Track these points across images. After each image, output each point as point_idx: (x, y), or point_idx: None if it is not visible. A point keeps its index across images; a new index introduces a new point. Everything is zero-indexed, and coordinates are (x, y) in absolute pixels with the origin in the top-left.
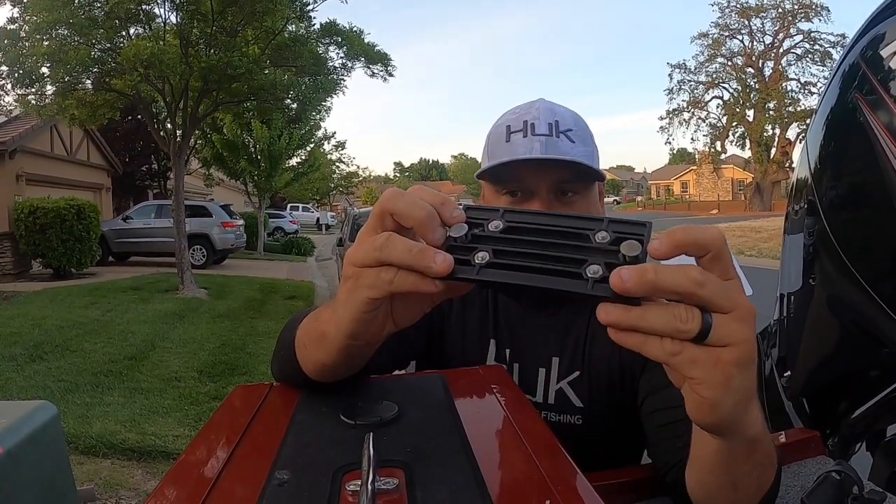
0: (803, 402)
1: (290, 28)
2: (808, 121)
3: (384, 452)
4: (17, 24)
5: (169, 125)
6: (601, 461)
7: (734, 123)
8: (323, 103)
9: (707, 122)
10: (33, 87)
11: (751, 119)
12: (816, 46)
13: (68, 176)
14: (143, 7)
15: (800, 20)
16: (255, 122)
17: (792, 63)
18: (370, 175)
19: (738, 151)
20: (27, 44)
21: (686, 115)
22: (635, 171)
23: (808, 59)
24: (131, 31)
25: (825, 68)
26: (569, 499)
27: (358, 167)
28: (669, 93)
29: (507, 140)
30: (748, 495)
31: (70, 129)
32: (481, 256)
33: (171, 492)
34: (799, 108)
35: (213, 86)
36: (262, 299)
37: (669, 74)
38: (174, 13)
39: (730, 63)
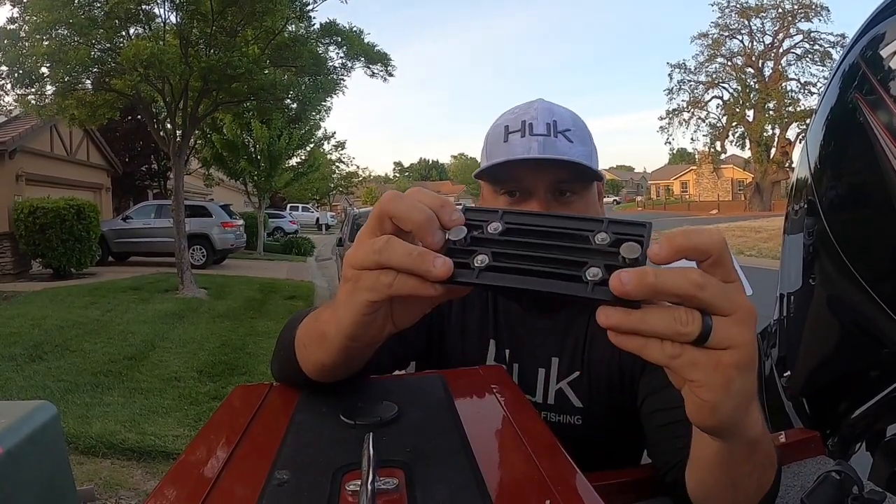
0: (803, 402)
1: (289, 28)
2: (807, 121)
3: (384, 452)
4: (16, 24)
5: (169, 125)
6: (601, 461)
7: (734, 123)
8: (323, 103)
9: (707, 122)
10: (33, 87)
11: (751, 119)
12: (816, 46)
13: (68, 176)
14: (143, 7)
15: (800, 20)
16: (254, 122)
17: (792, 63)
18: (370, 175)
19: (737, 151)
20: (27, 44)
21: (686, 115)
22: (635, 171)
23: (807, 59)
24: (131, 31)
25: (825, 68)
26: (568, 499)
27: (358, 167)
28: (669, 93)
29: (505, 140)
30: (748, 496)
31: (70, 129)
32: (480, 259)
33: (171, 492)
34: (799, 108)
35: (213, 86)
36: (261, 299)
37: (669, 74)
38: (174, 13)
39: (730, 63)
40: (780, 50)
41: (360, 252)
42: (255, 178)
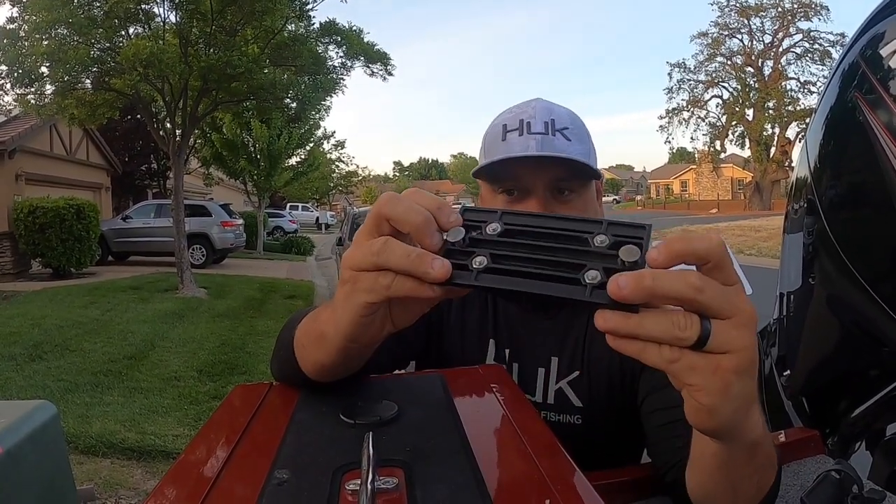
0: (803, 401)
1: (289, 27)
2: (807, 120)
3: (384, 452)
4: (16, 24)
5: (168, 124)
6: (601, 461)
7: (734, 122)
8: (322, 102)
9: (706, 121)
10: (33, 87)
11: (750, 118)
12: (816, 45)
13: (68, 175)
14: (143, 6)
15: (799, 19)
16: (254, 121)
17: (791, 62)
18: (370, 174)
19: (737, 150)
20: (26, 43)
21: (686, 115)
22: (635, 170)
23: (807, 58)
24: (130, 30)
25: (825, 67)
26: (568, 498)
27: (357, 166)
28: (669, 92)
29: (503, 139)
30: (748, 497)
31: (69, 129)
32: (479, 261)
33: (171, 491)
34: (798, 108)
35: (213, 85)
36: (261, 298)
37: (669, 73)
38: (173, 12)
39: (729, 62)
40: (780, 49)
41: (357, 253)
42: (255, 177)
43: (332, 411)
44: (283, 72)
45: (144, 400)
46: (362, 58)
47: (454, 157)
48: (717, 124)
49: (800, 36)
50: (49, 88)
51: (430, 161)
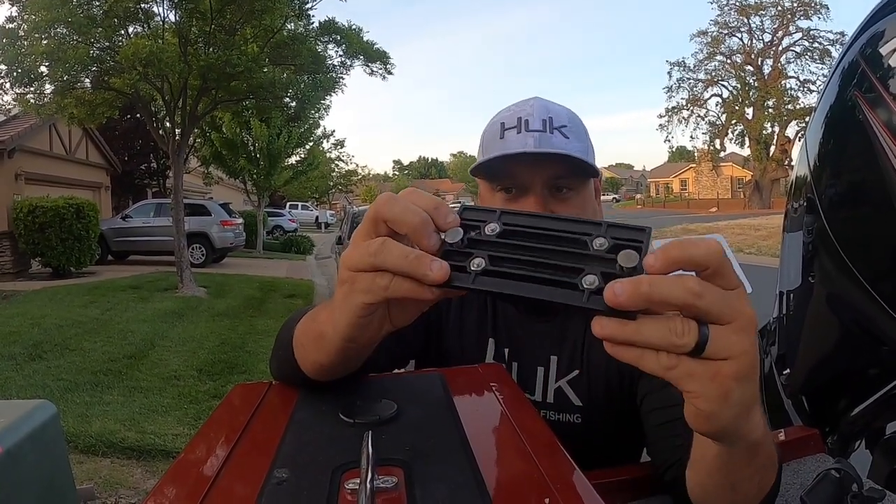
0: (802, 399)
1: (288, 26)
2: (807, 118)
3: (383, 451)
4: (15, 23)
5: (168, 124)
6: (600, 459)
7: (733, 121)
8: (322, 101)
9: (706, 119)
10: (32, 86)
11: (750, 117)
12: (815, 44)
13: (67, 175)
14: (142, 6)
15: (799, 18)
16: (254, 120)
17: (791, 61)
18: (369, 173)
19: (737, 149)
20: (26, 42)
21: (685, 113)
22: (634, 168)
23: (807, 56)
24: (130, 29)
25: (824, 66)
26: (568, 497)
27: (357, 165)
28: (669, 91)
29: (501, 137)
30: (748, 497)
31: (69, 128)
32: (477, 263)
33: (171, 490)
34: (798, 106)
35: (212, 84)
36: (261, 298)
37: (669, 72)
38: (173, 11)
39: (729, 61)
40: (780, 48)
41: (355, 254)
42: (255, 176)
43: (331, 410)
44: (282, 71)
45: (144, 399)
46: (362, 57)
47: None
48: (717, 123)
49: (799, 34)
50: (48, 88)
51: (430, 160)
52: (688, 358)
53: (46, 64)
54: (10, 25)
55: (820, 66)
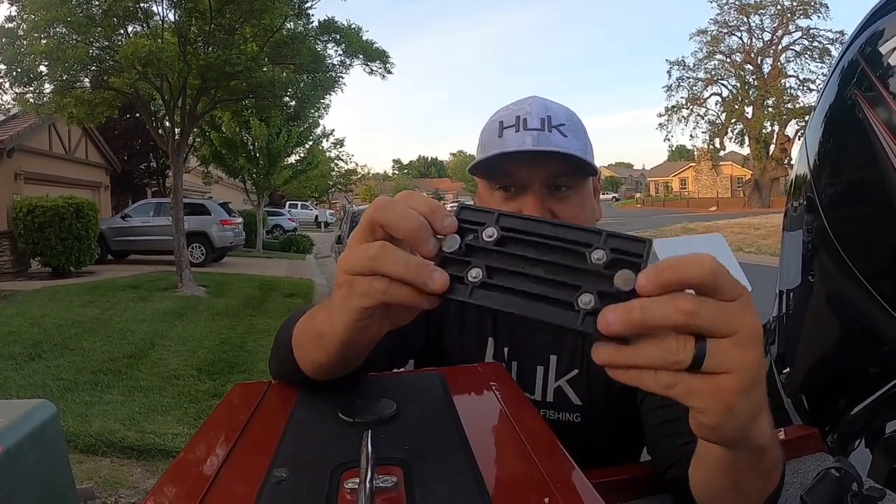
0: (802, 398)
1: (288, 25)
2: (806, 117)
3: (383, 450)
4: (15, 23)
5: (167, 123)
6: (600, 459)
7: (733, 120)
8: (321, 101)
9: (706, 118)
10: (31, 86)
11: (749, 116)
12: (815, 43)
13: (67, 174)
14: (141, 5)
15: (798, 17)
16: (253, 119)
17: (791, 60)
18: (369, 172)
19: (736, 148)
20: (25, 42)
21: (685, 112)
22: (634, 167)
23: (806, 55)
24: (129, 28)
25: (824, 65)
26: (567, 496)
27: (357, 164)
28: (668, 90)
29: (499, 135)
30: (752, 498)
31: (68, 128)
32: (474, 274)
33: (170, 489)
34: (798, 105)
35: (212, 83)
36: (261, 297)
37: (668, 71)
38: (172, 11)
39: (728, 60)
40: (779, 46)
41: (353, 257)
42: (254, 175)
43: (330, 410)
44: (281, 70)
45: (144, 398)
46: (361, 56)
47: (453, 155)
48: (717, 122)
49: (799, 33)
50: (48, 87)
51: (430, 159)
52: (687, 374)
53: (46, 63)
54: (10, 25)
55: (819, 65)
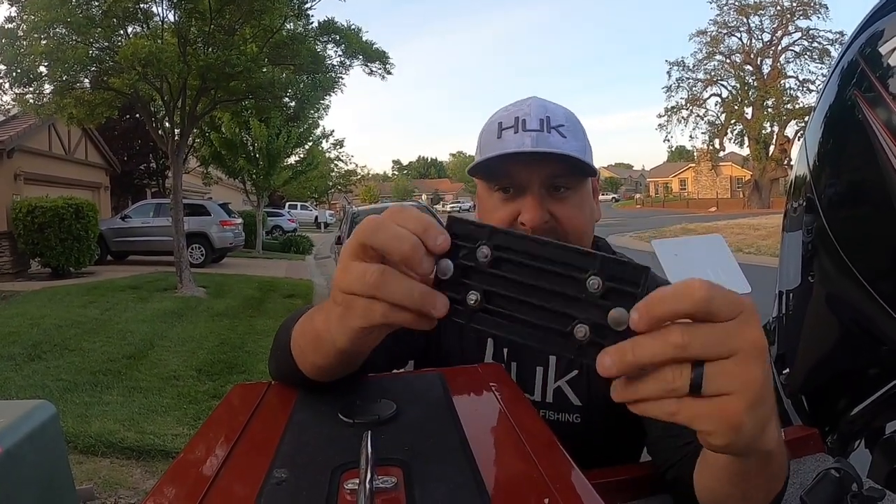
0: (802, 399)
1: (288, 26)
2: (806, 118)
3: (382, 451)
4: (14, 23)
5: (167, 124)
6: (600, 459)
7: (732, 121)
8: (321, 101)
9: (705, 119)
10: (31, 86)
11: (749, 116)
12: (815, 44)
13: (66, 175)
14: (141, 6)
15: (798, 17)
16: (253, 120)
17: (790, 60)
18: (369, 173)
19: (736, 149)
20: (25, 42)
21: (685, 113)
22: (633, 168)
23: (806, 56)
24: (129, 29)
25: (823, 66)
26: (567, 497)
27: (356, 165)
28: (668, 90)
29: (498, 136)
30: (756, 502)
31: (68, 128)
32: (473, 298)
33: (170, 490)
34: (797, 106)
35: (212, 84)
36: (260, 298)
37: (668, 72)
38: (172, 11)
39: (728, 60)
40: (779, 47)
41: (349, 278)
42: (254, 176)
43: (330, 410)
44: (281, 70)
45: (143, 399)
46: (361, 56)
47: (453, 155)
48: (716, 123)
49: (799, 34)
50: (47, 88)
51: (429, 160)
52: (690, 399)
53: (45, 64)
54: (10, 25)
55: (819, 65)
